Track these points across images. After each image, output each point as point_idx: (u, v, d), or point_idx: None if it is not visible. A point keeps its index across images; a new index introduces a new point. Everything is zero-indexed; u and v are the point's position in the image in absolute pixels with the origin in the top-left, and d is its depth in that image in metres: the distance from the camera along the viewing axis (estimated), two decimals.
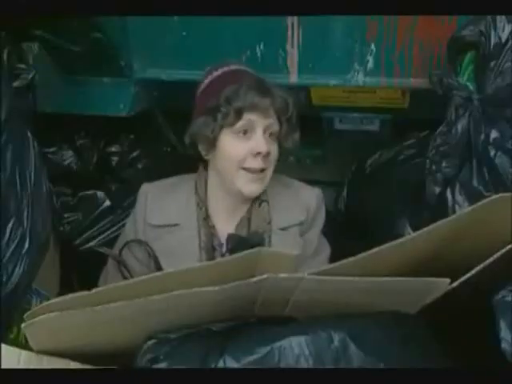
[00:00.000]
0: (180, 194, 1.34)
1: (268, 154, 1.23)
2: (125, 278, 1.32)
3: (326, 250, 1.41)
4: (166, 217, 1.32)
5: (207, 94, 1.27)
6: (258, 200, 1.32)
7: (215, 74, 1.29)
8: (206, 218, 1.32)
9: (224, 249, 1.31)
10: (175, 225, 1.31)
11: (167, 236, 1.31)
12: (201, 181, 1.34)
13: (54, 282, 1.45)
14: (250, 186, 1.26)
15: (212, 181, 1.32)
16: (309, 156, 1.95)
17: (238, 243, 1.25)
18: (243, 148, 1.23)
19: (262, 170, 1.25)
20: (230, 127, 1.23)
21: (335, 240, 1.78)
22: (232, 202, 1.31)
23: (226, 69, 1.29)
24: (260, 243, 1.24)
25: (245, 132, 1.23)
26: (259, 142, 1.22)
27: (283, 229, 1.32)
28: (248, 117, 1.22)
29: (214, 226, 1.32)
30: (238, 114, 1.21)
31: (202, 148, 1.29)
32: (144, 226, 1.33)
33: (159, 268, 1.28)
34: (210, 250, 1.30)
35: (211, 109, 1.24)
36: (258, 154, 1.22)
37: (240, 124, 1.22)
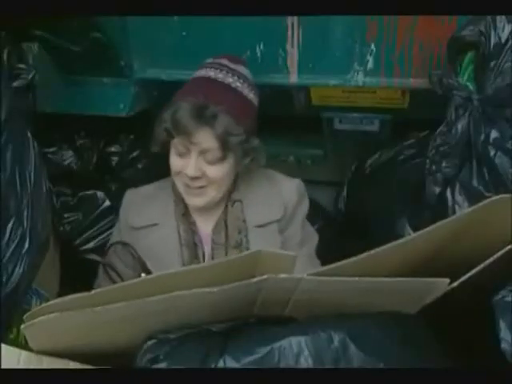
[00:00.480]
0: (160, 194, 1.37)
1: (197, 178, 1.22)
2: (112, 280, 1.33)
3: (313, 240, 1.41)
4: (146, 217, 1.34)
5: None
6: (230, 200, 1.33)
7: (195, 74, 1.29)
8: (185, 213, 1.33)
9: (205, 247, 1.32)
10: (154, 224, 1.33)
11: (149, 236, 1.32)
12: None
13: (54, 282, 1.45)
14: (190, 199, 1.28)
15: None
16: (309, 156, 1.94)
17: None
18: (179, 164, 1.25)
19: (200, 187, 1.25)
20: (171, 140, 1.25)
21: (335, 240, 1.79)
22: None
23: (201, 73, 1.28)
24: None
25: (182, 154, 1.23)
26: (189, 165, 1.22)
27: (260, 226, 1.32)
28: (181, 140, 1.22)
29: (194, 223, 1.33)
30: (171, 136, 1.23)
31: (154, 149, 1.31)
32: (128, 230, 1.36)
33: (144, 269, 1.29)
34: (192, 246, 1.31)
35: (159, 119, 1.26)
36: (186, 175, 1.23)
37: (176, 145, 1.23)
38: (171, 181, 1.37)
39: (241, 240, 1.30)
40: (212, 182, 1.25)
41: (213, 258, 1.30)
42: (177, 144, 1.23)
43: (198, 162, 1.22)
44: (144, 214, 1.34)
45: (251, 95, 1.29)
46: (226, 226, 1.31)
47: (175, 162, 1.25)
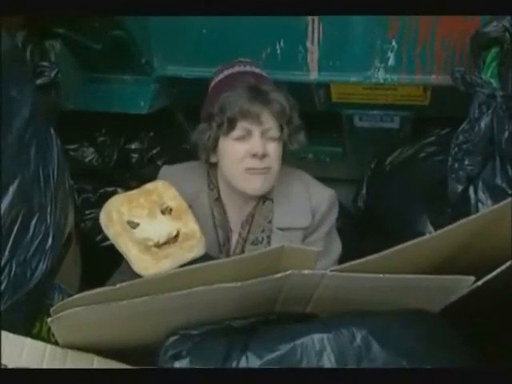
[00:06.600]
0: (194, 175, 1.37)
1: (264, 155, 1.23)
2: None
3: (335, 253, 1.39)
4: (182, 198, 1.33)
5: (207, 100, 1.29)
6: (263, 198, 1.32)
7: (220, 76, 1.30)
8: (218, 198, 1.33)
9: (232, 239, 1.33)
10: (189, 206, 1.32)
11: None
12: (213, 167, 1.35)
13: (76, 277, 1.46)
14: (251, 184, 1.26)
15: (220, 180, 1.34)
16: (328, 153, 1.94)
17: None
18: (241, 149, 1.24)
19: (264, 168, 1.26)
20: (226, 135, 1.24)
21: (354, 237, 1.78)
22: (240, 198, 1.32)
23: (230, 71, 1.29)
24: None
25: (242, 137, 1.24)
26: (255, 144, 1.22)
27: (283, 229, 1.31)
28: (242, 125, 1.22)
29: (225, 212, 1.33)
30: (232, 124, 1.22)
31: (201, 155, 1.30)
32: None
33: None
34: (225, 228, 1.32)
35: (207, 117, 1.26)
36: (255, 155, 1.22)
37: (235, 132, 1.23)
38: (204, 166, 1.36)
39: (262, 239, 1.31)
40: (273, 162, 1.25)
41: (234, 252, 1.31)
42: (232, 137, 1.24)
43: (262, 140, 1.24)
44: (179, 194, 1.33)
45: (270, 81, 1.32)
46: (251, 222, 1.32)
47: (236, 150, 1.24)
